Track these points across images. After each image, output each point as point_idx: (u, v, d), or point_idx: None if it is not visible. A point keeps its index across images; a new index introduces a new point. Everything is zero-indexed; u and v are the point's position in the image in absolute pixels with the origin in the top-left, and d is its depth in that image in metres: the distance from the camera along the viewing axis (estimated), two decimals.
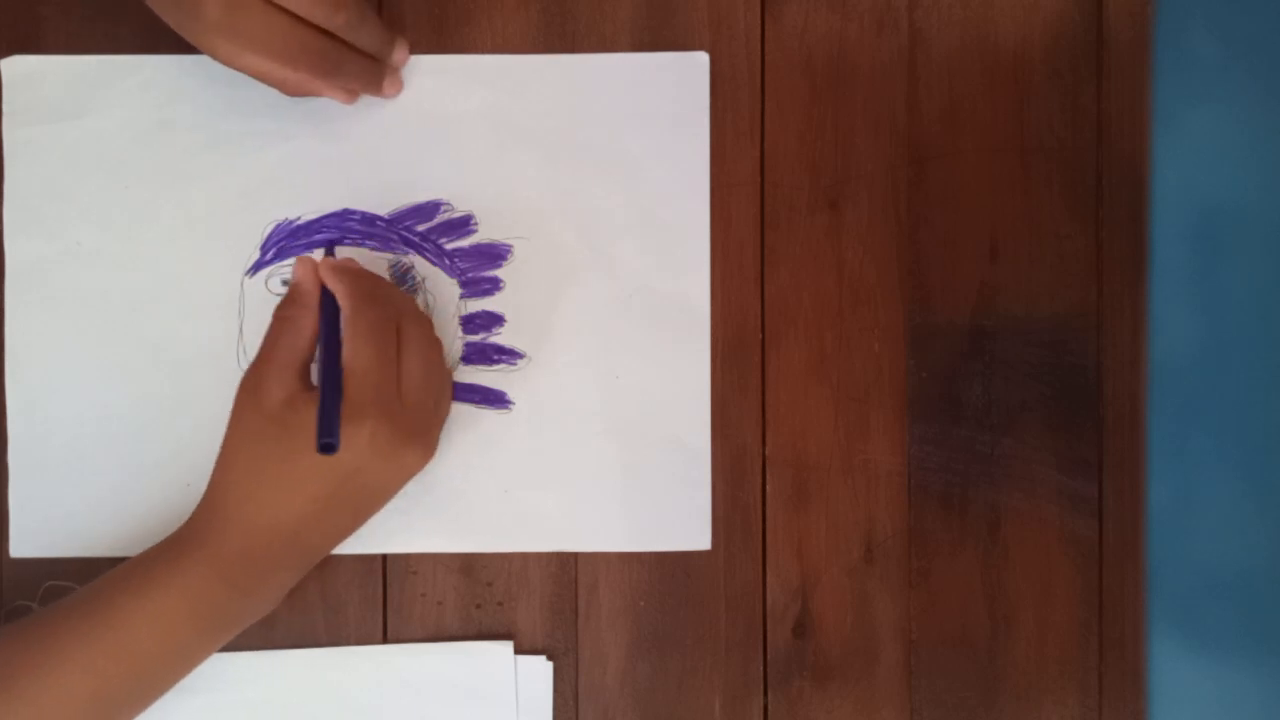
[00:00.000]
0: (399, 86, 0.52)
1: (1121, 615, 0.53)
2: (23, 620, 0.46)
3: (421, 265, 0.52)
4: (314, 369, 0.48)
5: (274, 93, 0.49)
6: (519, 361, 0.52)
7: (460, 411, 0.52)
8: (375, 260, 0.52)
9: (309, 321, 0.47)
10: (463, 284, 0.52)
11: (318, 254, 0.52)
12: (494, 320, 0.52)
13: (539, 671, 0.52)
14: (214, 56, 0.46)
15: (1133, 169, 0.53)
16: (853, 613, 0.53)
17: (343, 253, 0.52)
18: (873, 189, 0.53)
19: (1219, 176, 0.53)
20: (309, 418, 0.44)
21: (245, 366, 0.51)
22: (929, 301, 0.53)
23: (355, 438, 0.44)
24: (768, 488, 0.53)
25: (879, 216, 0.53)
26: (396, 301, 0.48)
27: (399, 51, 0.51)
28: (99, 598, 0.45)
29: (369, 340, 0.45)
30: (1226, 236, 0.53)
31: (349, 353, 0.45)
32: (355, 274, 0.47)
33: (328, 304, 0.47)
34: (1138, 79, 0.53)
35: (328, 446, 0.42)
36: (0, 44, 0.52)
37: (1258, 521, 0.53)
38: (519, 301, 0.52)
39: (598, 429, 0.52)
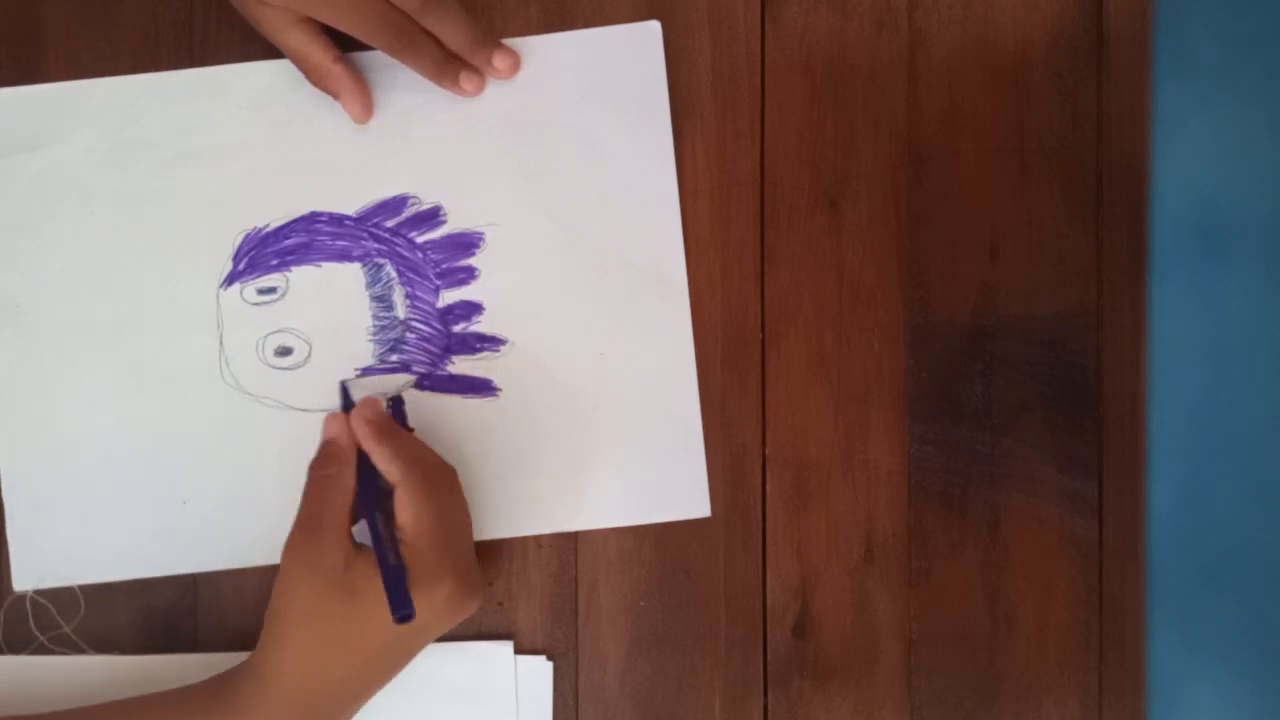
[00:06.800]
0: (479, 85, 0.52)
1: (1121, 615, 0.53)
2: None
3: (392, 266, 0.52)
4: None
5: (233, 104, 0.51)
6: (502, 348, 0.52)
7: (449, 404, 0.52)
8: (347, 265, 0.52)
9: (349, 476, 0.47)
10: (438, 275, 0.52)
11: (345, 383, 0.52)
12: (473, 309, 0.52)
13: (539, 671, 0.52)
14: (260, 26, 0.48)
15: (1133, 169, 0.53)
16: (853, 613, 0.53)
17: (325, 276, 0.52)
18: (873, 189, 0.53)
19: (1219, 176, 0.53)
20: (374, 581, 0.44)
21: (228, 379, 0.52)
22: (929, 301, 0.53)
23: (432, 597, 0.45)
24: (768, 488, 0.53)
25: (879, 216, 0.53)
26: (424, 452, 0.48)
27: (498, 58, 0.51)
28: None
29: (428, 499, 0.46)
30: (1226, 236, 0.53)
31: (412, 514, 0.45)
32: (389, 431, 0.48)
33: (363, 460, 0.47)
34: (1138, 79, 0.53)
35: (405, 618, 0.43)
36: (0, 44, 0.52)
37: (1258, 521, 0.53)
38: (496, 288, 0.52)
39: (586, 407, 0.52)
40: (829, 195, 0.53)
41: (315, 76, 0.50)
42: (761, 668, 0.53)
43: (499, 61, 0.51)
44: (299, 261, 0.52)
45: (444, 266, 0.52)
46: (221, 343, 0.52)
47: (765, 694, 0.53)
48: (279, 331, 0.52)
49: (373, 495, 0.46)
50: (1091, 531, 0.53)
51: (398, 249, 0.52)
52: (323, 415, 0.51)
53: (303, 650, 0.45)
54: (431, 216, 0.52)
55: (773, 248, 0.53)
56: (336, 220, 0.52)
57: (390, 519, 0.46)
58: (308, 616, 0.45)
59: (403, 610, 0.42)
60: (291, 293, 0.52)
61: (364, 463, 0.47)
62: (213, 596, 0.52)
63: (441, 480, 0.48)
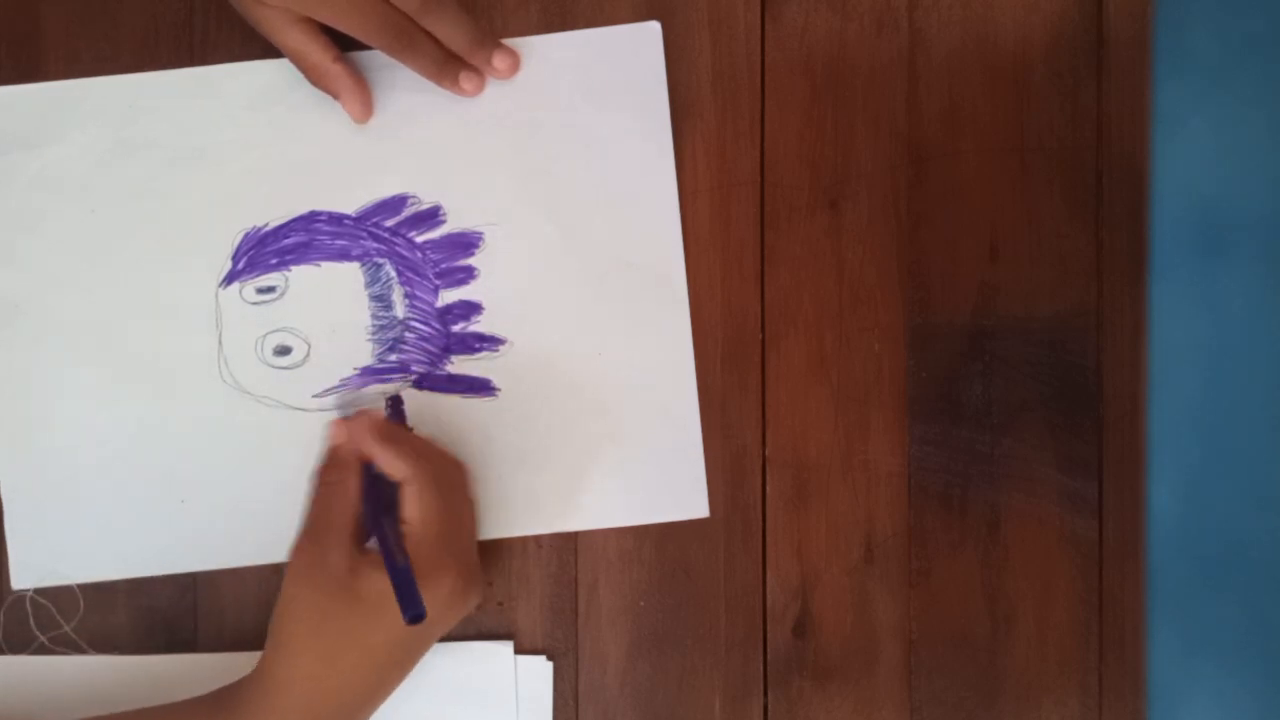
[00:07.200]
0: (478, 85, 0.52)
1: (1121, 615, 0.53)
2: None
3: (391, 265, 0.52)
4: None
5: (232, 104, 0.51)
6: (501, 348, 0.52)
7: (448, 403, 0.52)
8: (346, 264, 0.52)
9: (354, 482, 0.47)
10: (437, 275, 0.52)
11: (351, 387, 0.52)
12: (472, 309, 0.52)
13: (539, 671, 0.52)
14: (260, 26, 0.48)
15: (1133, 169, 0.53)
16: (853, 613, 0.53)
17: (319, 282, 0.52)
18: (873, 189, 0.53)
19: (1219, 176, 0.53)
20: (379, 584, 0.44)
21: (227, 378, 0.51)
22: (929, 301, 0.53)
23: (437, 591, 0.45)
24: (768, 488, 0.53)
25: (879, 216, 0.53)
26: (432, 449, 0.49)
27: (498, 58, 0.51)
28: None
29: (435, 493, 0.46)
30: (1226, 236, 0.53)
31: (418, 509, 0.46)
32: (394, 434, 0.47)
33: (367, 469, 0.47)
34: (1138, 79, 0.53)
35: (416, 618, 0.42)
36: (0, 43, 0.52)
37: (1258, 521, 0.53)
38: (495, 288, 0.52)
39: (585, 408, 0.52)
40: (829, 195, 0.53)
41: (315, 76, 0.50)
42: (761, 668, 0.53)
43: (499, 61, 0.51)
44: (298, 261, 0.52)
45: (443, 266, 0.52)
46: (220, 342, 0.52)
47: (765, 694, 0.53)
48: (278, 331, 0.52)
49: (378, 502, 0.46)
50: (1091, 531, 0.53)
51: (397, 248, 0.52)
52: (321, 414, 0.51)
53: (309, 657, 0.45)
54: (431, 216, 0.52)
55: (773, 248, 0.53)
56: (336, 220, 0.52)
57: (396, 521, 0.46)
58: (313, 623, 0.45)
59: (414, 610, 0.42)
60: (290, 292, 0.52)
61: (368, 472, 0.47)
62: (212, 596, 0.52)
63: (449, 475, 0.48)
